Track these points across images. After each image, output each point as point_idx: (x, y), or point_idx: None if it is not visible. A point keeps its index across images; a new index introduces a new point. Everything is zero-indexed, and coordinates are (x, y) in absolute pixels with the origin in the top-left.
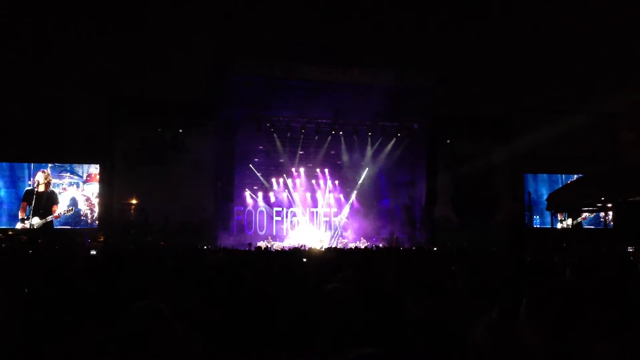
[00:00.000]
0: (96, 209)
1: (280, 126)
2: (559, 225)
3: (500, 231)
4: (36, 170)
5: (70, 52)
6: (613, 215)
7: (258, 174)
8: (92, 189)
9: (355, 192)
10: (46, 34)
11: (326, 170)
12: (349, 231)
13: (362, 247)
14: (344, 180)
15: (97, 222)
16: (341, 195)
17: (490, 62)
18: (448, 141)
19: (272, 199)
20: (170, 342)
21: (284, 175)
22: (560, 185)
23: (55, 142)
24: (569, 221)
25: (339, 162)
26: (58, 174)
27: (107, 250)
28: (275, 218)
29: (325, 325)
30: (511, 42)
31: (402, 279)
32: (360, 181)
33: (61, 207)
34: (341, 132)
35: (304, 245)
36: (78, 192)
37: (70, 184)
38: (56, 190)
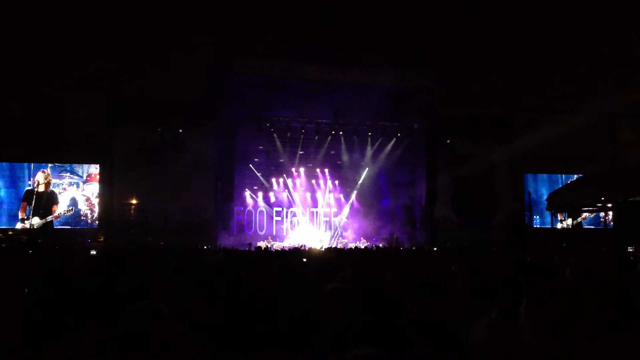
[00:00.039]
0: (96, 209)
1: (280, 126)
2: (559, 225)
3: (500, 231)
4: (36, 170)
5: (70, 52)
6: (613, 215)
7: (258, 174)
8: (92, 189)
9: (355, 192)
10: (46, 34)
11: (326, 170)
12: (349, 231)
13: (362, 247)
14: (344, 180)
15: (97, 222)
16: (341, 195)
17: (490, 62)
18: (448, 141)
19: (272, 199)
20: (170, 342)
21: (284, 175)
22: (560, 185)
23: (55, 142)
24: (569, 221)
25: (339, 162)
26: (58, 174)
27: (107, 250)
28: (275, 218)
29: (325, 325)
30: (511, 42)
31: (402, 279)
32: (360, 181)
33: (61, 207)
34: (341, 132)
35: (304, 245)
36: (78, 192)
37: (70, 184)
38: (56, 190)
